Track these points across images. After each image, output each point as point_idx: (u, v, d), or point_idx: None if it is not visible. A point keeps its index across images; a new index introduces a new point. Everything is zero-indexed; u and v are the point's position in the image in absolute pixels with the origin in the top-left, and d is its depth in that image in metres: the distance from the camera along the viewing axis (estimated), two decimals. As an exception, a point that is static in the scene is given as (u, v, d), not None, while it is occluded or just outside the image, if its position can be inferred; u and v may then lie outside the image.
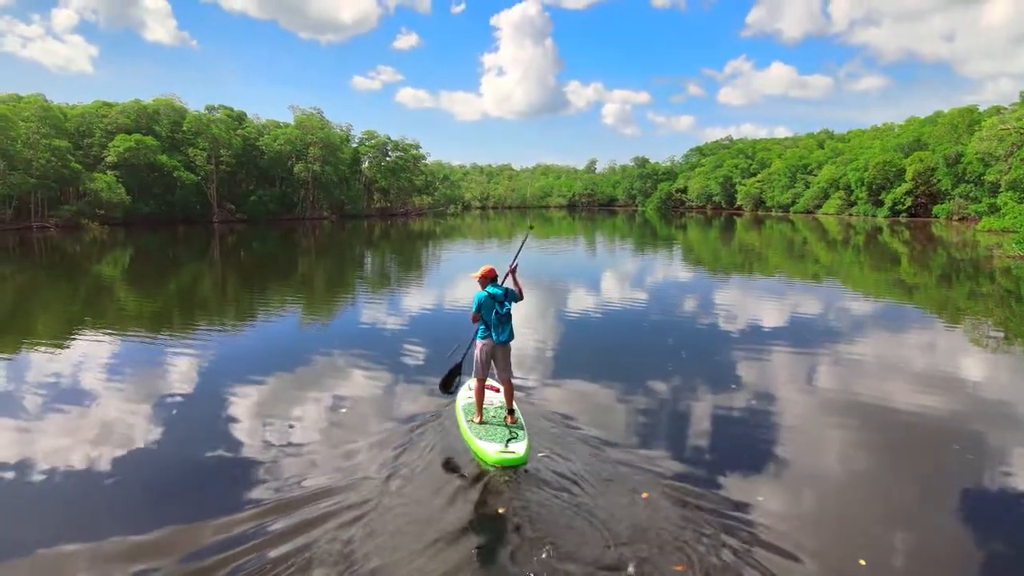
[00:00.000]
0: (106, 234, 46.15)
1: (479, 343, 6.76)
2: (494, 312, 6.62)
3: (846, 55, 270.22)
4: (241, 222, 66.17)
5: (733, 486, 5.67)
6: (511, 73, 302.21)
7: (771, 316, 14.07)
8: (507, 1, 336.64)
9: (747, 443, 6.77)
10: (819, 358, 10.39)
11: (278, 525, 4.90)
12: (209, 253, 33.76)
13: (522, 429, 6.57)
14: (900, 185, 65.76)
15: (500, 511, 5.18)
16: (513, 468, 5.93)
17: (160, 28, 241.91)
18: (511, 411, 6.84)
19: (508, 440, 6.22)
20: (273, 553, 4.51)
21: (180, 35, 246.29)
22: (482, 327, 6.73)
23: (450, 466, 6.10)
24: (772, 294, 17.66)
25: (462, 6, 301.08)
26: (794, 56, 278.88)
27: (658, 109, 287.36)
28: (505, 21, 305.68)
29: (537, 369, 9.62)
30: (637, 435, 6.95)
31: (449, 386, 7.42)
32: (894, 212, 66.33)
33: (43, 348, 11.34)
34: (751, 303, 15.97)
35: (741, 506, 5.26)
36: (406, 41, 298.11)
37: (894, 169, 67.16)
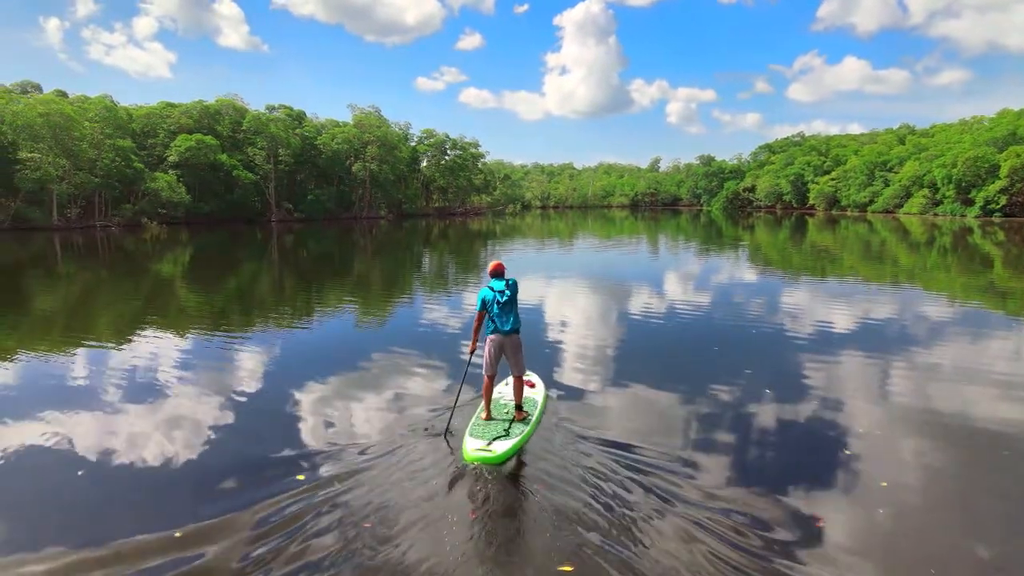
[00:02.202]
0: (166, 233, 47.88)
1: (488, 338, 6.89)
2: (496, 303, 6.80)
3: (924, 48, 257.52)
4: (299, 221, 67.79)
5: (790, 510, 5.23)
6: (574, 72, 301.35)
7: (844, 322, 13.06)
8: (570, 0, 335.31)
9: (810, 461, 6.28)
10: (900, 369, 9.54)
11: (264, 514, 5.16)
12: (267, 252, 34.42)
13: (527, 425, 6.65)
14: (993, 182, 61.65)
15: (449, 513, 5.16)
16: (490, 467, 5.94)
17: (234, 34, 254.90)
18: (519, 407, 6.95)
19: (495, 438, 6.29)
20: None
21: (252, 40, 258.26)
22: (488, 323, 6.88)
23: (434, 466, 6.03)
24: (846, 298, 16.56)
25: (525, 6, 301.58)
26: (868, 50, 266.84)
27: (724, 107, 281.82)
28: (568, 20, 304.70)
29: (583, 369, 9.54)
30: (674, 440, 6.77)
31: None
32: (986, 212, 62.24)
33: (111, 343, 11.82)
34: (823, 307, 14.99)
35: (799, 536, 4.82)
36: (469, 42, 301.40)
37: (986, 165, 63.04)
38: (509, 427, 6.59)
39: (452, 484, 5.65)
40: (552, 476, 5.76)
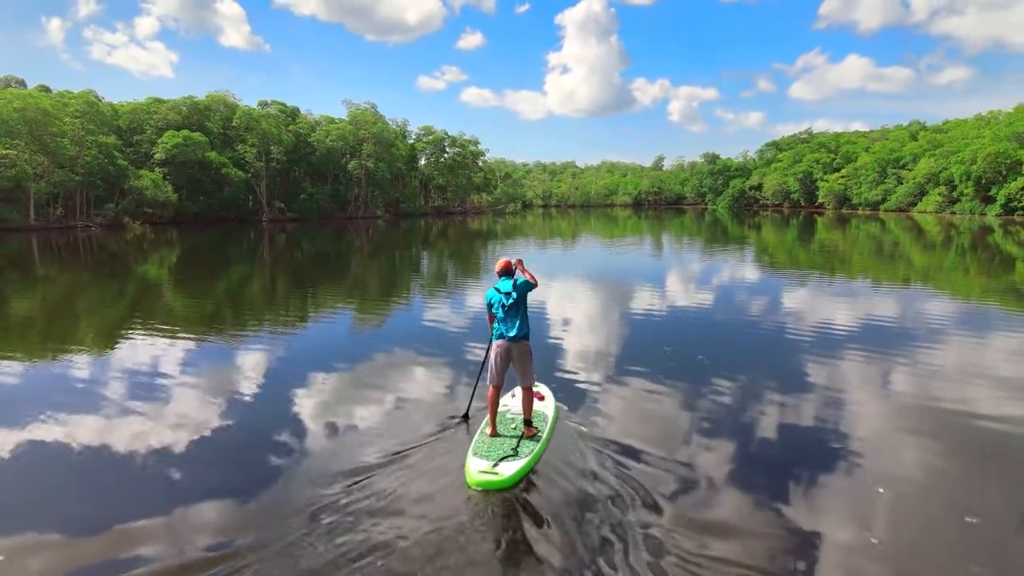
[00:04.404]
0: (152, 233, 46.93)
1: (494, 345, 6.47)
2: (501, 306, 6.37)
3: (927, 46, 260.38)
4: (292, 221, 66.90)
5: (793, 515, 5.09)
6: (576, 71, 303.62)
7: (854, 323, 12.44)
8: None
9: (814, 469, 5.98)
10: (926, 375, 8.96)
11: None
12: (258, 254, 33.43)
13: (537, 443, 6.15)
14: (1015, 179, 60.39)
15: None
16: (495, 492, 5.34)
17: (235, 33, 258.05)
18: (528, 422, 6.43)
19: (503, 458, 5.73)
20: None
21: (254, 40, 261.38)
22: (496, 327, 6.47)
23: (433, 486, 5.44)
24: (856, 299, 15.88)
25: (526, 5, 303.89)
26: (871, 48, 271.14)
27: (726, 105, 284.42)
28: (569, 19, 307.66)
29: (595, 378, 9.00)
30: (676, 446, 6.44)
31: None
32: (1007, 210, 61.01)
33: (89, 349, 11.32)
34: (832, 308, 14.26)
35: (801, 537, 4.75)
36: (471, 41, 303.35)
37: (1008, 161, 61.71)
38: (517, 445, 6.03)
39: (452, 513, 5.01)
40: (566, 503, 5.19)
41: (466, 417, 6.93)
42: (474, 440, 6.19)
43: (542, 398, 7.33)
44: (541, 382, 7.79)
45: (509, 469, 5.54)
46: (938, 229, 47.67)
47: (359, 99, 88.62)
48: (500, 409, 6.99)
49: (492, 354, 6.46)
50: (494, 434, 6.30)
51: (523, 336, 6.38)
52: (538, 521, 4.95)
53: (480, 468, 5.54)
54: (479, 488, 5.38)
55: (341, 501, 5.16)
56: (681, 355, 10.52)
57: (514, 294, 6.30)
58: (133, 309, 16.12)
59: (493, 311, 6.45)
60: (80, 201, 53.10)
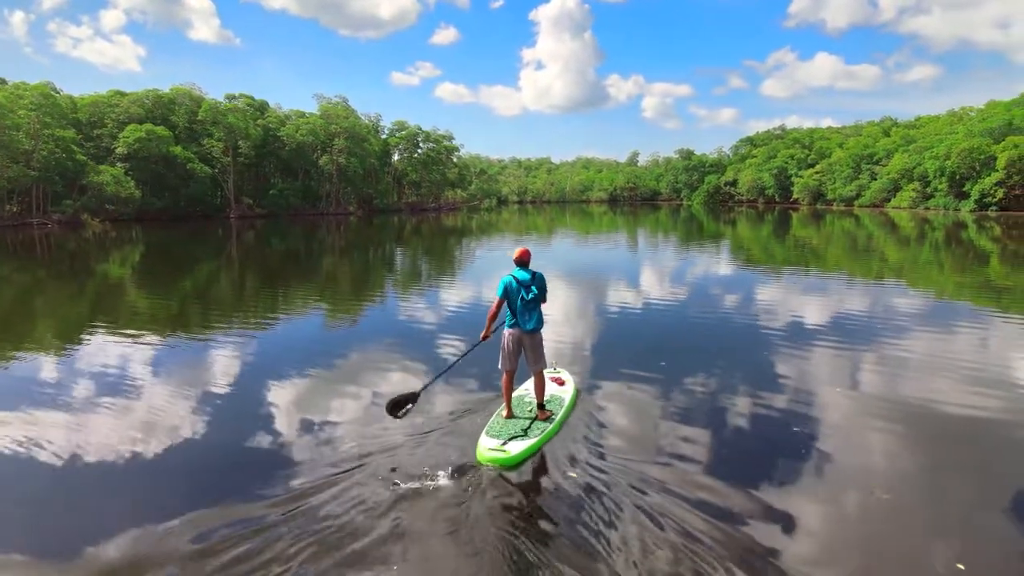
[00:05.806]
0: (113, 230, 45.82)
1: (505, 332, 6.61)
2: (520, 298, 6.45)
3: (895, 44, 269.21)
4: (261, 217, 65.94)
5: (766, 501, 5.21)
6: (550, 67, 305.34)
7: (828, 318, 12.64)
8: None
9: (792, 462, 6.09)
10: (890, 371, 9.05)
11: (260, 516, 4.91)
12: (224, 252, 32.85)
13: (549, 424, 6.40)
14: (989, 175, 61.17)
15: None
16: (504, 469, 5.61)
17: (205, 27, 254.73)
18: (541, 406, 6.69)
19: (512, 438, 6.01)
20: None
21: (223, 33, 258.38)
22: (508, 315, 6.57)
23: (441, 467, 5.60)
24: (829, 294, 16.00)
25: (501, 1, 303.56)
26: (840, 46, 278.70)
27: (700, 102, 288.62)
28: (544, 15, 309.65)
29: (606, 367, 9.19)
30: (657, 441, 6.44)
31: (396, 409, 6.39)
32: (981, 205, 61.71)
33: (66, 349, 11.09)
34: (804, 303, 14.40)
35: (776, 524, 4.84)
36: (445, 36, 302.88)
37: (982, 156, 62.51)
38: (529, 427, 6.32)
39: (460, 487, 5.29)
40: (569, 484, 5.40)
41: (397, 416, 6.34)
42: (489, 422, 6.45)
43: (562, 383, 7.56)
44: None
45: (517, 448, 5.82)
46: (912, 225, 48.26)
47: (331, 94, 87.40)
48: (521, 393, 7.29)
49: (504, 341, 6.59)
50: (510, 416, 6.56)
51: (538, 330, 6.57)
52: (539, 497, 5.26)
53: (490, 446, 5.85)
54: (487, 464, 5.66)
55: (326, 492, 5.21)
56: (677, 353, 10.43)
57: (534, 289, 6.43)
58: (91, 309, 15.71)
59: (509, 298, 6.51)
60: (36, 197, 51.53)
